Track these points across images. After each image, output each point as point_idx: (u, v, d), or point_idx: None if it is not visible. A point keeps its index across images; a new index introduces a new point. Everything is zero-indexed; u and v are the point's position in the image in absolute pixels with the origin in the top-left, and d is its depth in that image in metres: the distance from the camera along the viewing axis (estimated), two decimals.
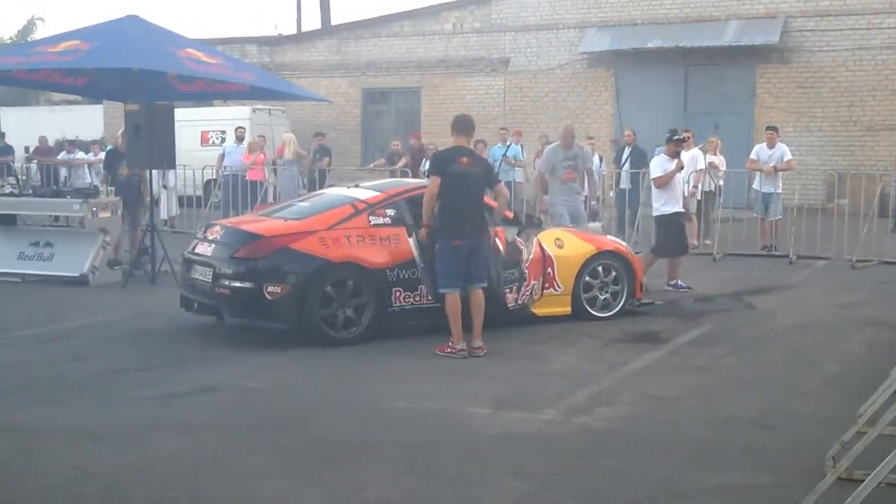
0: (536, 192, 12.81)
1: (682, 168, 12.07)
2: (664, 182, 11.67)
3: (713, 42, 22.87)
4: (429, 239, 8.79)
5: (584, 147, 12.83)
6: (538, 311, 9.57)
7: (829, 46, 22.47)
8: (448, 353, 8.36)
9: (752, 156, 15.29)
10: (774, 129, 15.64)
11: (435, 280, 8.78)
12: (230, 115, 23.11)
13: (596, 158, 17.25)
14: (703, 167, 15.63)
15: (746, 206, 16.61)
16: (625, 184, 16.76)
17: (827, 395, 7.23)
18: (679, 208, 11.86)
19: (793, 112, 22.39)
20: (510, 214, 9.17)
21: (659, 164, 11.86)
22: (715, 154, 16.30)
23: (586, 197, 13.11)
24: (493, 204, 8.98)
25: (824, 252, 14.29)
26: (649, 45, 23.33)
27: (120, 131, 13.76)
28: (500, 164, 17.78)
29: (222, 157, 19.17)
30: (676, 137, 12.01)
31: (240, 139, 19.50)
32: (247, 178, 18.38)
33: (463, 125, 8.86)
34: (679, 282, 11.85)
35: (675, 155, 11.85)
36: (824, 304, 11.21)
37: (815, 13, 22.57)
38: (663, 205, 11.77)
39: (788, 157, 15.04)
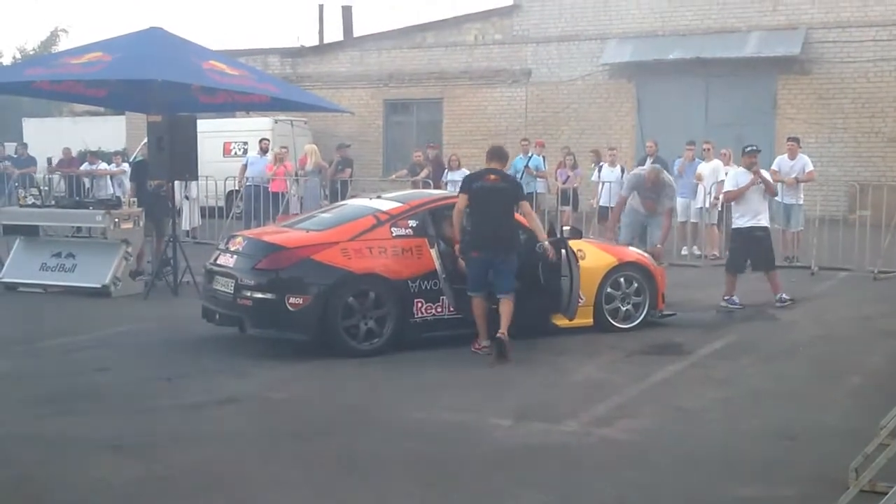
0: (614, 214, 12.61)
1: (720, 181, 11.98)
2: (733, 197, 11.60)
3: (734, 53, 22.81)
4: (460, 253, 8.97)
5: (671, 186, 12.36)
6: (560, 322, 9.55)
7: (850, 57, 22.36)
8: (475, 349, 8.75)
9: (774, 167, 15.20)
10: (796, 140, 15.59)
11: (457, 291, 8.90)
12: (252, 127, 23.19)
13: (618, 170, 17.25)
14: (724, 178, 15.59)
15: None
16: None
17: (850, 406, 7.19)
18: (753, 223, 11.47)
19: (814, 123, 22.29)
20: (543, 236, 9.20)
21: (733, 178, 11.73)
22: (728, 165, 16.26)
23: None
24: (525, 221, 9.17)
25: (846, 263, 14.21)
26: (670, 56, 23.29)
27: (143, 142, 13.86)
28: (523, 175, 17.77)
29: (245, 167, 19.25)
30: (750, 149, 11.77)
31: (264, 151, 19.57)
32: (270, 188, 18.47)
33: (497, 154, 9.29)
34: (782, 295, 11.52)
35: (749, 167, 11.57)
36: (846, 315, 11.14)
37: (836, 24, 22.48)
38: (738, 218, 11.62)
39: (810, 167, 14.98)
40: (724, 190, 11.79)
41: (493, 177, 8.94)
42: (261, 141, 19.98)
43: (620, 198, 12.45)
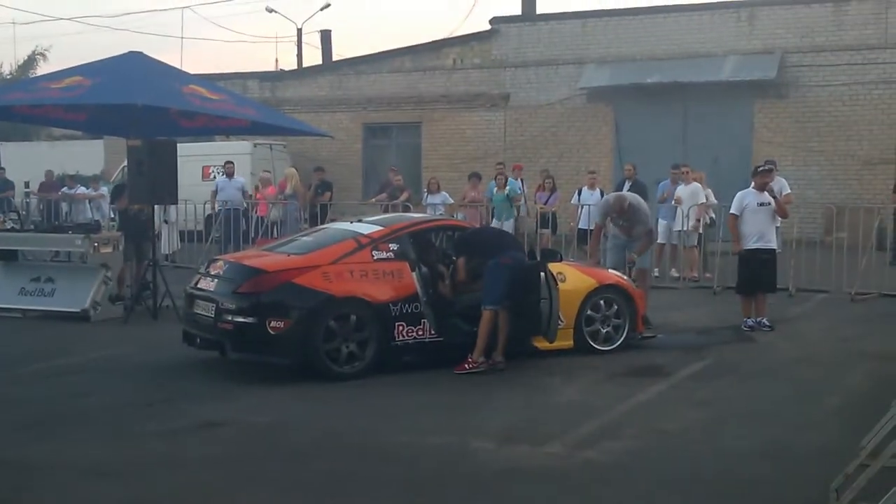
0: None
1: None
2: (732, 224, 11.67)
3: (711, 77, 23.02)
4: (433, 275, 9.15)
5: (641, 209, 12.05)
6: (540, 344, 9.57)
7: (825, 81, 22.63)
8: (469, 368, 8.79)
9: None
10: (773, 163, 15.71)
11: (438, 314, 8.97)
12: (231, 150, 23.14)
13: (597, 193, 17.32)
14: (705, 201, 15.72)
15: None
16: None
17: (830, 427, 7.24)
18: (761, 244, 11.48)
19: (791, 146, 22.51)
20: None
21: (740, 199, 11.70)
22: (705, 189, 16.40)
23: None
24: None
25: (823, 285, 14.32)
26: (648, 80, 23.49)
27: (122, 165, 13.83)
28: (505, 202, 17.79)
29: (215, 192, 19.20)
30: (762, 169, 11.89)
31: (229, 174, 19.47)
32: (257, 213, 18.52)
33: None
34: (763, 320, 11.52)
35: (761, 188, 11.62)
36: (825, 336, 11.23)
37: (811, 49, 22.75)
38: (746, 239, 11.58)
39: (787, 190, 15.08)
40: (731, 212, 11.70)
41: None
42: (225, 164, 19.83)
43: (596, 226, 12.38)
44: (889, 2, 22.30)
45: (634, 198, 11.96)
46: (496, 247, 9.35)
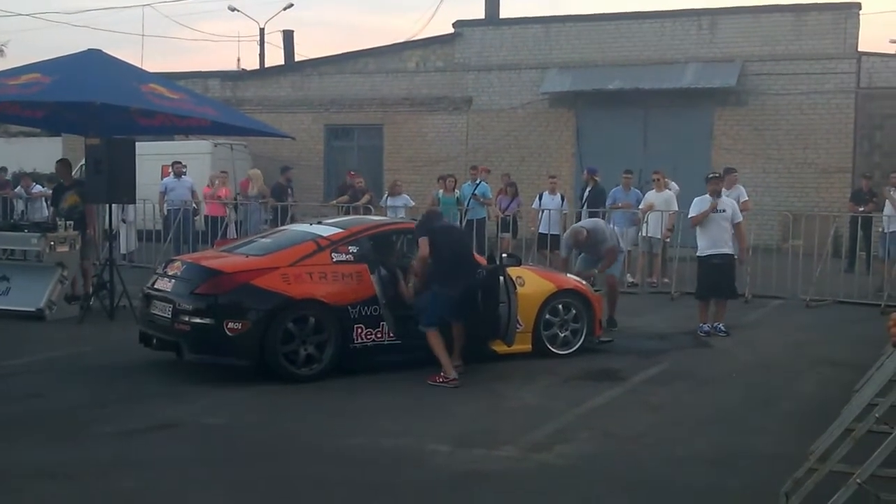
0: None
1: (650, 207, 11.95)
2: (697, 222, 11.79)
3: (672, 84, 23.19)
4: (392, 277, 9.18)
5: (598, 231, 12.10)
6: (499, 348, 9.60)
7: (784, 90, 22.87)
8: (440, 382, 8.63)
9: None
10: (733, 170, 15.85)
11: (396, 317, 8.97)
12: (191, 150, 22.99)
13: (558, 198, 17.39)
14: (677, 209, 15.83)
15: None
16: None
17: (782, 432, 7.33)
18: (712, 251, 11.66)
19: (749, 154, 22.72)
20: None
21: (697, 204, 11.88)
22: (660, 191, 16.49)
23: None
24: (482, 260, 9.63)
25: (779, 291, 14.49)
26: (609, 86, 23.61)
27: (80, 164, 13.67)
28: (470, 202, 17.84)
29: (163, 193, 19.07)
30: (712, 176, 12.25)
31: (177, 174, 19.35)
32: (206, 213, 18.38)
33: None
34: (720, 325, 11.68)
35: (714, 194, 11.82)
36: (779, 342, 11.36)
37: (771, 57, 22.99)
38: (701, 246, 11.83)
39: (745, 198, 15.22)
40: (689, 216, 11.96)
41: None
42: (174, 164, 19.69)
43: (561, 260, 12.44)
44: (848, 12, 22.61)
45: (589, 225, 12.24)
46: (459, 256, 9.16)
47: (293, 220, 15.78)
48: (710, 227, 11.72)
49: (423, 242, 9.03)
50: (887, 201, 15.81)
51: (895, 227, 15.21)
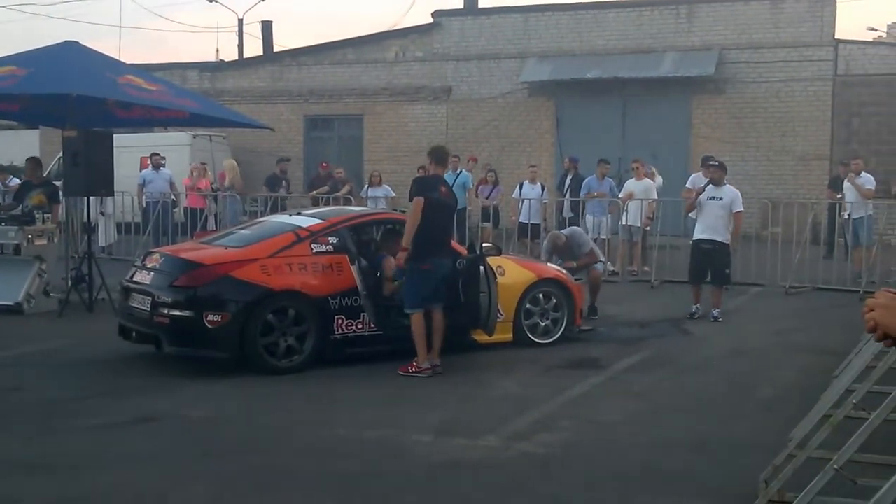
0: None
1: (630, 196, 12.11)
2: (689, 209, 12.04)
3: (651, 73, 23.24)
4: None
5: (576, 237, 12.33)
6: (479, 337, 9.61)
7: (762, 78, 22.96)
8: (413, 371, 8.57)
9: (688, 184, 15.49)
10: (710, 158, 15.88)
11: (377, 308, 8.95)
12: (170, 141, 22.86)
13: (538, 187, 17.41)
14: (657, 197, 15.89)
15: (683, 233, 16.80)
16: (566, 212, 16.93)
17: (761, 419, 7.37)
18: (703, 235, 11.81)
19: (728, 142, 22.80)
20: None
21: (692, 180, 12.07)
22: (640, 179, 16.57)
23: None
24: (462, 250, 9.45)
25: (759, 279, 14.57)
26: (588, 75, 23.63)
27: (58, 157, 13.56)
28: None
29: (142, 186, 18.99)
30: (712, 164, 12.54)
31: (155, 166, 19.27)
32: (186, 205, 18.31)
33: (441, 156, 9.31)
34: (715, 311, 11.83)
35: (714, 181, 11.95)
36: (759, 330, 11.42)
37: (749, 45, 23.06)
38: (695, 230, 12.05)
39: (739, 208, 15.23)
40: (686, 186, 12.24)
41: (444, 189, 9.06)
42: (152, 156, 19.60)
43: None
44: (824, 0, 22.70)
45: (568, 231, 12.56)
46: (439, 234, 8.94)
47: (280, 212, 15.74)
48: (704, 213, 11.85)
49: (417, 204, 8.64)
50: (849, 187, 15.89)
51: (858, 213, 15.33)
